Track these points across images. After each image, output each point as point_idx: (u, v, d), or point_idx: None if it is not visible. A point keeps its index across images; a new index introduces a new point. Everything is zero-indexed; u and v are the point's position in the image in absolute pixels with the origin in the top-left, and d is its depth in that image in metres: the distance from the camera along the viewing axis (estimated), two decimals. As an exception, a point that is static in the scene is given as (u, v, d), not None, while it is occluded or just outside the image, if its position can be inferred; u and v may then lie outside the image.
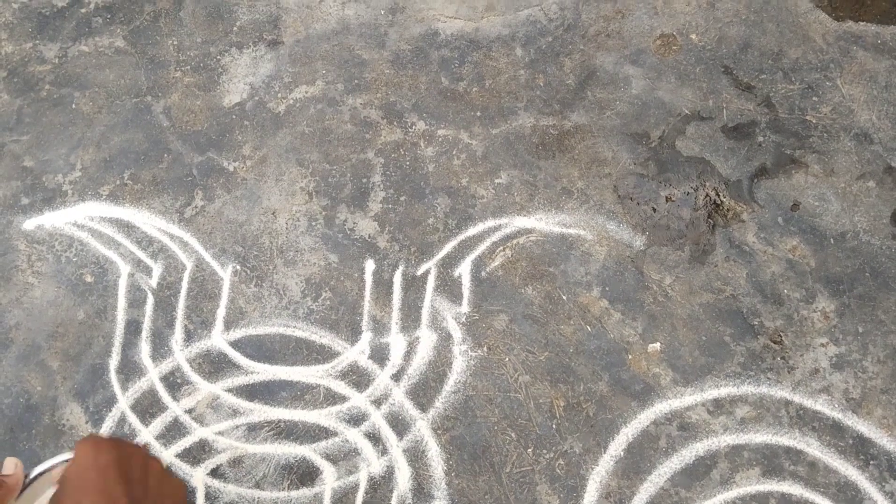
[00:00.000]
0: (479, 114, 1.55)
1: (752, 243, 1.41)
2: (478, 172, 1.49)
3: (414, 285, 1.40)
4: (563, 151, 1.51)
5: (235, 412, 1.32)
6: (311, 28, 1.66)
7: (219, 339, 1.38)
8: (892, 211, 1.43)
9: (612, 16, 1.64)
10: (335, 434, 1.29)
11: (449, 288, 1.40)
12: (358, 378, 1.33)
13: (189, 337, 1.38)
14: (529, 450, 1.28)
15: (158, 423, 1.31)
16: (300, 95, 1.58)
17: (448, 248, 1.43)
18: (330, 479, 1.26)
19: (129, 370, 1.35)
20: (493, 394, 1.32)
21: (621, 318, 1.36)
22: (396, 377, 1.33)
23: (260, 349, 1.36)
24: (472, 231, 1.44)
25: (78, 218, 1.48)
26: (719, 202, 1.44)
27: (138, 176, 1.51)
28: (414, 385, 1.33)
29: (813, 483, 1.23)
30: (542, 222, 1.45)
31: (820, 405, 1.29)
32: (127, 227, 1.46)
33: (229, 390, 1.34)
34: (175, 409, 1.33)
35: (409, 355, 1.35)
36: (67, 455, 1.12)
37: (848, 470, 1.24)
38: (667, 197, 1.46)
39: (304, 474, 1.26)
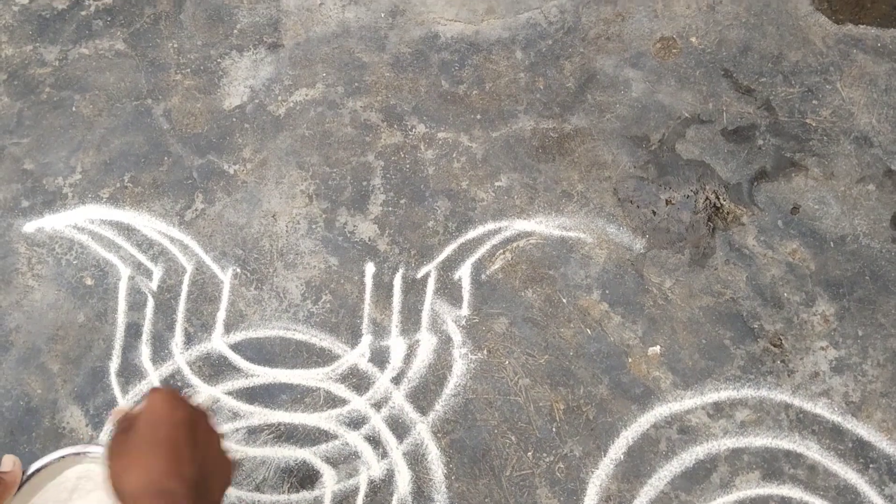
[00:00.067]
0: (479, 117, 1.55)
1: (752, 246, 1.41)
2: (478, 175, 1.50)
3: (414, 288, 1.40)
4: (563, 154, 1.51)
5: (235, 415, 1.32)
6: (311, 31, 1.66)
7: (219, 342, 1.38)
8: (892, 214, 1.43)
9: (612, 19, 1.64)
10: (335, 437, 1.29)
11: (449, 291, 1.40)
12: (358, 381, 1.33)
13: (189, 340, 1.38)
14: (529, 453, 1.28)
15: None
16: (300, 98, 1.58)
17: (448, 250, 1.43)
18: (330, 483, 1.26)
19: (130, 373, 1.36)
20: (493, 397, 1.32)
21: (621, 322, 1.36)
22: (396, 380, 1.33)
23: (260, 352, 1.36)
24: (472, 234, 1.45)
25: (78, 221, 1.48)
26: (719, 205, 1.45)
27: (138, 179, 1.51)
28: (414, 388, 1.33)
29: (813, 486, 1.23)
30: (542, 225, 1.45)
31: (820, 408, 1.29)
32: (127, 230, 1.47)
33: (229, 393, 1.34)
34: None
35: (409, 358, 1.35)
36: (63, 451, 1.13)
37: (847, 473, 1.24)
38: (667, 200, 1.46)
39: (304, 477, 1.26)
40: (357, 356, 1.35)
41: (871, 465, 1.24)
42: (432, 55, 1.62)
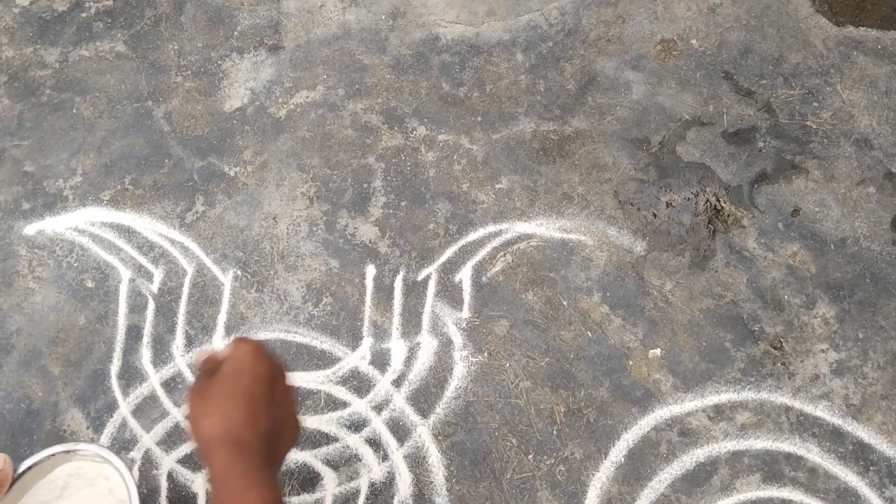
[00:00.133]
0: (479, 119, 1.55)
1: (753, 249, 1.41)
2: (478, 178, 1.50)
3: (415, 291, 1.40)
4: (563, 157, 1.51)
5: (236, 418, 1.32)
6: (312, 33, 1.66)
7: (220, 345, 1.38)
8: (893, 217, 1.43)
9: (613, 21, 1.64)
10: (336, 440, 1.29)
11: (450, 293, 1.40)
12: (359, 384, 1.33)
13: (190, 342, 1.38)
14: (530, 456, 1.28)
15: (160, 429, 1.31)
16: (301, 100, 1.58)
17: (449, 253, 1.43)
18: (331, 485, 1.26)
19: (131, 376, 1.36)
20: (494, 399, 1.32)
21: (622, 324, 1.37)
22: (397, 383, 1.34)
23: (261, 355, 1.36)
24: (472, 236, 1.45)
25: (79, 223, 1.48)
26: (720, 208, 1.45)
27: (139, 181, 1.51)
28: (415, 391, 1.33)
29: (813, 489, 1.24)
30: (542, 228, 1.45)
31: (820, 411, 1.29)
32: (128, 233, 1.47)
33: (230, 396, 1.34)
34: (176, 414, 1.33)
35: (409, 361, 1.35)
36: (53, 449, 1.13)
37: (848, 476, 1.24)
38: (667, 202, 1.46)
39: (305, 480, 1.26)
40: (358, 359, 1.35)
41: (871, 468, 1.24)
42: (433, 57, 1.62)
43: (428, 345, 1.36)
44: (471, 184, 1.49)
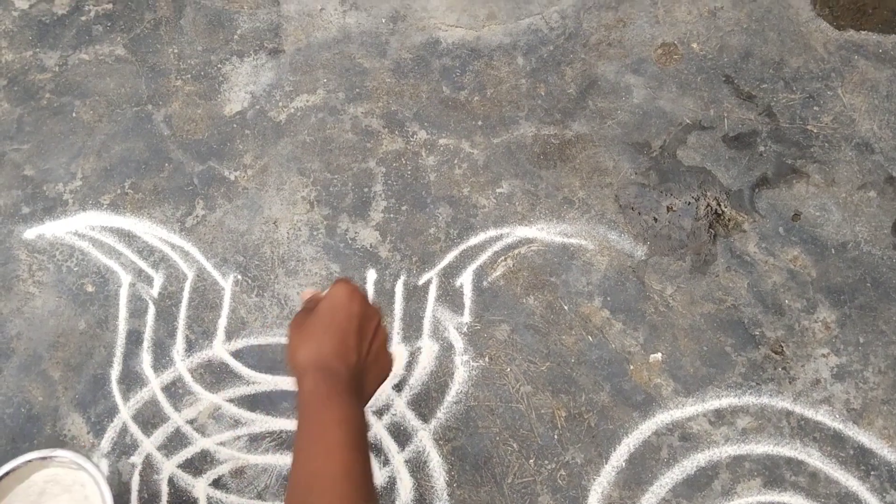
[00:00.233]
0: (480, 123, 1.55)
1: (754, 253, 1.41)
2: (479, 182, 1.49)
3: (415, 295, 1.40)
4: (564, 161, 1.51)
5: (237, 423, 1.32)
6: (312, 36, 1.65)
7: (220, 350, 1.38)
8: (894, 221, 1.43)
9: (614, 24, 1.64)
10: (337, 445, 1.29)
11: (450, 298, 1.40)
12: (360, 389, 1.33)
13: (190, 347, 1.38)
14: (531, 460, 1.28)
15: (160, 434, 1.31)
16: (301, 104, 1.58)
17: (449, 257, 1.43)
18: (332, 491, 1.26)
19: (131, 380, 1.35)
20: (495, 404, 1.32)
21: (623, 329, 1.37)
22: (398, 387, 1.33)
23: (262, 359, 1.36)
24: (473, 241, 1.45)
25: (79, 227, 1.48)
26: (720, 212, 1.45)
27: (139, 185, 1.51)
28: (415, 395, 1.33)
29: (814, 493, 1.24)
30: (543, 232, 1.45)
31: (821, 416, 1.29)
32: (128, 237, 1.46)
33: (231, 400, 1.34)
34: (177, 419, 1.33)
35: (410, 365, 1.35)
36: (30, 455, 1.15)
37: (849, 481, 1.24)
38: (668, 207, 1.46)
39: (306, 486, 1.26)
40: (359, 363, 1.35)
41: (872, 473, 1.24)
42: (433, 61, 1.62)
43: (429, 349, 1.36)
44: (471, 188, 1.49)
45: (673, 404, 1.31)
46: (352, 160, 1.52)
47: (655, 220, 1.45)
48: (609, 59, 1.61)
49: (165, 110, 1.58)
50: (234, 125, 1.56)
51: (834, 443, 1.27)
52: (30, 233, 1.48)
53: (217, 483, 1.28)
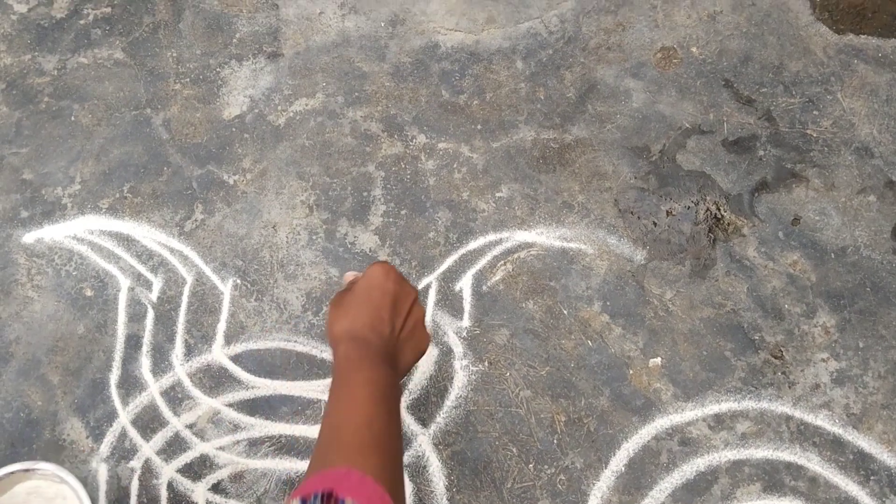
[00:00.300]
0: (479, 127, 1.55)
1: (753, 258, 1.41)
2: (478, 186, 1.49)
3: (415, 300, 1.40)
4: (563, 165, 1.51)
5: (236, 427, 1.32)
6: (311, 40, 1.65)
7: (219, 354, 1.38)
8: (893, 225, 1.43)
9: (613, 28, 1.64)
10: (336, 450, 1.29)
11: (450, 302, 1.40)
12: (359, 394, 1.33)
13: (190, 351, 1.38)
14: (531, 465, 1.28)
15: (159, 438, 1.31)
16: (300, 108, 1.58)
17: (449, 262, 1.43)
18: (331, 496, 1.26)
19: (130, 385, 1.35)
20: (495, 409, 1.32)
21: (622, 333, 1.36)
22: (397, 392, 1.33)
23: (261, 364, 1.36)
24: (472, 245, 1.44)
25: (77, 231, 1.48)
26: (720, 216, 1.45)
27: (138, 189, 1.51)
28: (415, 400, 1.33)
29: (814, 498, 1.24)
30: (542, 236, 1.45)
31: (821, 420, 1.29)
32: (127, 241, 1.46)
33: (230, 405, 1.34)
34: (176, 424, 1.33)
35: (410, 370, 1.34)
36: (12, 467, 1.19)
37: (848, 485, 1.24)
38: (667, 211, 1.46)
39: (306, 491, 1.26)
40: (358, 368, 1.35)
41: (871, 477, 1.25)
42: (432, 65, 1.62)
43: (428, 354, 1.36)
44: (471, 192, 1.49)
45: (672, 409, 1.31)
46: (351, 164, 1.52)
47: (655, 224, 1.45)
48: (608, 64, 1.61)
49: (164, 114, 1.58)
50: (233, 129, 1.56)
51: (834, 447, 1.27)
52: (28, 237, 1.48)
53: (216, 488, 1.28)
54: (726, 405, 1.31)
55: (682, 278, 1.40)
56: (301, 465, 1.29)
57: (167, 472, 1.29)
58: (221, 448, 1.31)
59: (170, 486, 1.28)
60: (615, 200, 1.47)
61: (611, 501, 1.25)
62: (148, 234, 1.47)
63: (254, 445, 1.31)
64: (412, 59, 1.63)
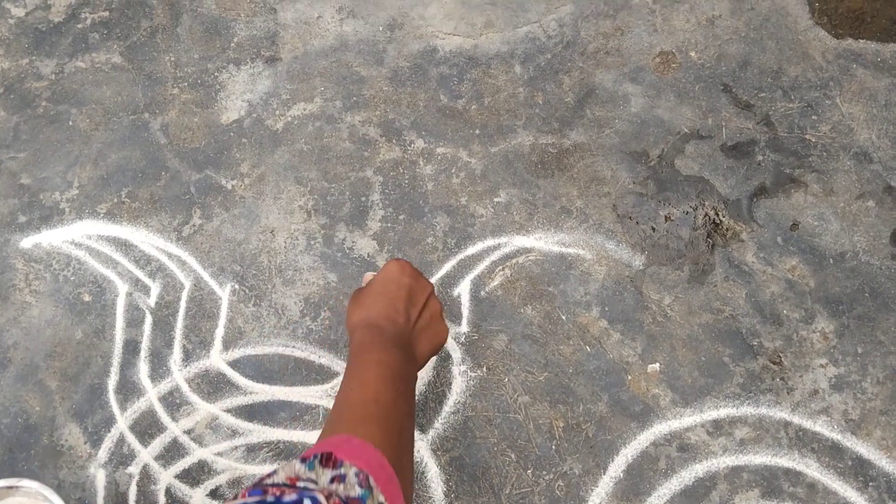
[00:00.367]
0: (478, 132, 1.55)
1: (752, 263, 1.41)
2: (477, 191, 1.49)
3: (413, 305, 1.40)
4: (562, 170, 1.51)
5: (234, 433, 1.32)
6: (309, 44, 1.65)
7: (217, 359, 1.37)
8: (892, 231, 1.43)
9: (612, 33, 1.64)
10: (334, 455, 1.29)
11: (448, 307, 1.40)
12: (357, 400, 1.33)
13: (188, 357, 1.37)
14: (529, 471, 1.28)
15: (157, 444, 1.31)
16: (298, 113, 1.58)
17: (447, 267, 1.43)
18: (329, 502, 1.26)
19: (128, 390, 1.35)
20: (493, 414, 1.32)
21: (620, 339, 1.36)
22: (396, 398, 1.33)
23: (259, 369, 1.36)
24: (471, 250, 1.44)
25: (75, 236, 1.47)
26: (718, 221, 1.44)
27: (136, 194, 1.51)
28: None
29: (812, 505, 1.24)
30: (541, 241, 1.45)
31: (819, 426, 1.29)
32: (125, 246, 1.46)
33: (228, 411, 1.34)
34: (174, 429, 1.33)
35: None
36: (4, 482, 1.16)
37: (847, 491, 1.24)
38: (666, 216, 1.45)
39: (304, 497, 1.25)
40: (356, 374, 1.35)
41: (870, 483, 1.24)
42: (431, 69, 1.62)
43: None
44: (469, 197, 1.49)
45: (671, 415, 1.31)
46: (349, 169, 1.52)
47: (653, 229, 1.45)
48: (607, 68, 1.60)
49: (162, 119, 1.58)
50: (231, 134, 1.56)
51: (832, 453, 1.27)
52: (26, 242, 1.47)
53: (214, 493, 1.28)
54: (725, 411, 1.31)
55: (680, 284, 1.40)
56: (299, 472, 1.28)
57: (165, 477, 1.29)
58: (220, 454, 1.31)
59: (168, 491, 1.28)
60: (614, 205, 1.47)
61: (609, 507, 1.25)
62: (146, 239, 1.47)
63: (252, 451, 1.31)
64: (410, 63, 1.63)
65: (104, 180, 1.52)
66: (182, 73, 1.62)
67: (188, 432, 1.32)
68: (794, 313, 1.37)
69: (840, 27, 1.60)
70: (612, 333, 1.37)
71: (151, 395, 1.35)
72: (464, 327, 1.38)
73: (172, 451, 1.31)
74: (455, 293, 1.41)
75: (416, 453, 1.29)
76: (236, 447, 1.31)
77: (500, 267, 1.43)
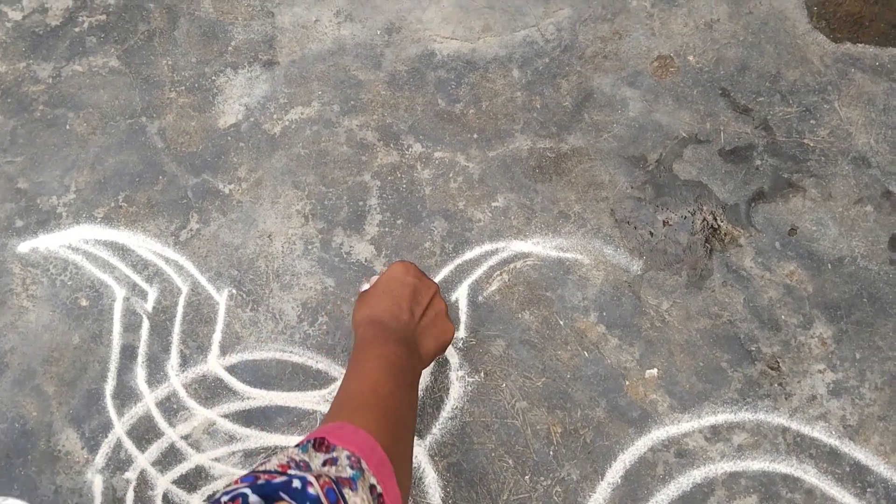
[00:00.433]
0: (475, 136, 1.54)
1: (750, 268, 1.41)
2: (475, 196, 1.49)
3: (411, 310, 1.39)
4: (560, 175, 1.50)
5: (231, 438, 1.32)
6: (307, 48, 1.65)
7: (215, 365, 1.37)
8: (890, 236, 1.43)
9: (610, 37, 1.64)
10: (332, 461, 1.28)
11: (446, 313, 1.39)
12: (354, 405, 1.32)
13: (185, 362, 1.37)
14: (527, 477, 1.28)
15: (155, 449, 1.31)
16: (296, 117, 1.57)
17: (445, 272, 1.43)
18: (326, 508, 1.25)
19: (125, 395, 1.35)
20: (491, 420, 1.32)
21: (618, 344, 1.36)
22: (393, 403, 1.33)
23: (256, 374, 1.36)
24: (468, 255, 1.44)
25: (72, 241, 1.47)
26: (717, 226, 1.44)
27: (133, 198, 1.50)
28: (411, 411, 1.32)
29: (810, 511, 1.23)
30: (539, 246, 1.44)
31: (817, 432, 1.29)
32: (122, 251, 1.46)
33: (226, 416, 1.34)
34: (171, 434, 1.32)
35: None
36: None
37: (845, 497, 1.24)
38: (664, 221, 1.45)
39: (301, 503, 1.25)
40: (353, 379, 1.35)
41: (868, 489, 1.24)
42: (428, 73, 1.61)
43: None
44: (467, 202, 1.48)
45: (669, 420, 1.30)
46: (347, 173, 1.52)
47: (651, 234, 1.44)
48: (605, 72, 1.60)
49: (159, 122, 1.57)
50: (229, 138, 1.56)
51: (830, 459, 1.27)
52: (23, 246, 1.47)
53: (212, 499, 1.27)
54: (723, 417, 1.31)
55: (678, 289, 1.40)
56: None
57: (162, 483, 1.29)
58: (217, 459, 1.31)
59: (165, 497, 1.28)
60: (611, 210, 1.47)
61: (607, 513, 1.25)
62: (143, 244, 1.47)
63: (249, 457, 1.31)
64: (408, 67, 1.62)
65: (101, 184, 1.52)
66: (179, 76, 1.62)
67: (185, 438, 1.32)
68: (792, 318, 1.37)
69: (838, 31, 1.60)
70: (609, 339, 1.37)
71: (148, 400, 1.35)
72: (461, 332, 1.38)
73: (170, 457, 1.30)
74: (453, 298, 1.41)
75: (414, 459, 1.29)
76: (233, 452, 1.31)
77: (498, 272, 1.42)
